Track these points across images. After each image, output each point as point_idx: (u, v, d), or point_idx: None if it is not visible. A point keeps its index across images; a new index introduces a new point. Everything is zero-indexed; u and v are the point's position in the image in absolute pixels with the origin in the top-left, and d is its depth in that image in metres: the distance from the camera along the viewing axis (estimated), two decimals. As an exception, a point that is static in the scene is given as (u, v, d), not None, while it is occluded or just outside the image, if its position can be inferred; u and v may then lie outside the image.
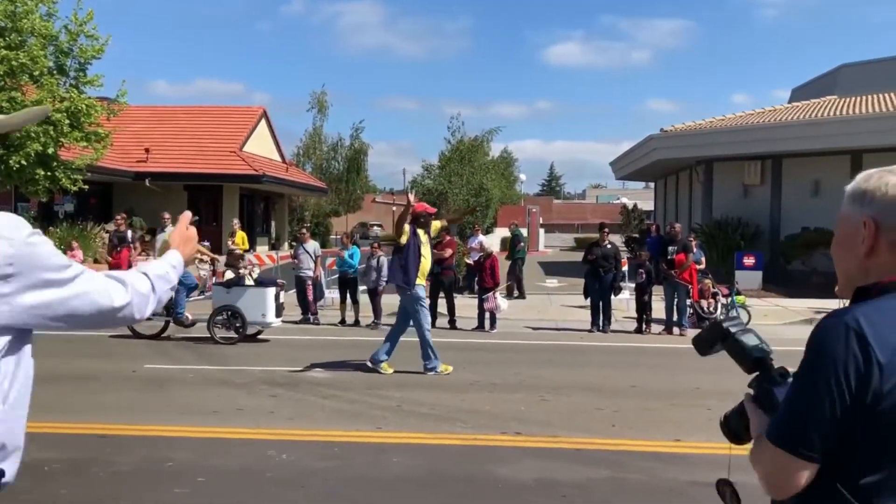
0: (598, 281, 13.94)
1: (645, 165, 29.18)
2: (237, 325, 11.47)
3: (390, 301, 15.92)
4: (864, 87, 25.73)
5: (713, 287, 15.39)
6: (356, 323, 14.09)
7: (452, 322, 14.02)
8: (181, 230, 2.25)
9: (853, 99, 25.10)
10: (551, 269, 29.20)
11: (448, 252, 14.31)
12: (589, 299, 14.24)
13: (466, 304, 15.40)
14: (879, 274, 1.61)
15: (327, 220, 46.32)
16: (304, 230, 15.79)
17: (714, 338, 1.85)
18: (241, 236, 17.44)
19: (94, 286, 1.71)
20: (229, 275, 12.31)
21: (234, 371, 9.29)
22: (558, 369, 9.68)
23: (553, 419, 6.95)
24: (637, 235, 39.79)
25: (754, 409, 1.74)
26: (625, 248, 39.42)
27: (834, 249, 1.81)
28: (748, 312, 14.96)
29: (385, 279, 14.35)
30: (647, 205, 54.10)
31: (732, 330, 1.82)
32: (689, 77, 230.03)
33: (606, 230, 14.80)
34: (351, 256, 14.45)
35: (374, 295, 14.14)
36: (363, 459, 5.64)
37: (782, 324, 15.64)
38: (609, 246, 14.46)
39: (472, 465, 5.51)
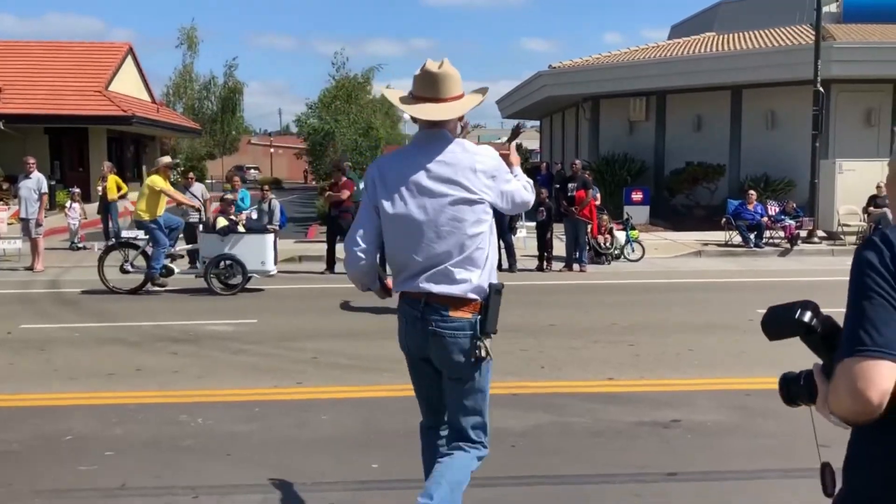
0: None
1: (533, 103, 29.17)
2: (236, 274, 10.94)
3: (285, 247, 15.24)
4: (743, 24, 26.48)
5: (609, 223, 15.57)
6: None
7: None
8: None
9: (732, 35, 25.79)
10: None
11: (345, 194, 13.72)
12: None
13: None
14: None
15: (202, 164, 44.22)
16: (191, 173, 14.85)
17: (794, 332, 1.78)
18: (113, 181, 16.08)
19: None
20: (220, 221, 11.45)
21: (123, 328, 8.51)
22: (472, 311, 9.42)
23: (481, 364, 6.68)
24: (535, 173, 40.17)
25: (824, 379, 1.71)
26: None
27: (889, 188, 1.87)
28: (642, 247, 15.26)
29: (278, 223, 13.65)
30: (530, 143, 54.62)
31: (814, 325, 1.74)
32: (563, 16, 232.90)
33: None
34: (242, 200, 13.62)
35: (268, 240, 13.43)
36: (289, 419, 5.18)
37: (672, 256, 16.06)
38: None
39: (410, 416, 5.12)
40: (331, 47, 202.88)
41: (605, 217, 15.69)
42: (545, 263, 14.11)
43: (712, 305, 9.96)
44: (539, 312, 9.33)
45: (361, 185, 18.53)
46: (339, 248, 13.53)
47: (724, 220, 17.39)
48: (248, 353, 7.18)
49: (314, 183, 32.37)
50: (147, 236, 11.03)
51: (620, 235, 15.43)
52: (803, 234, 17.21)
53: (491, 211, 2.98)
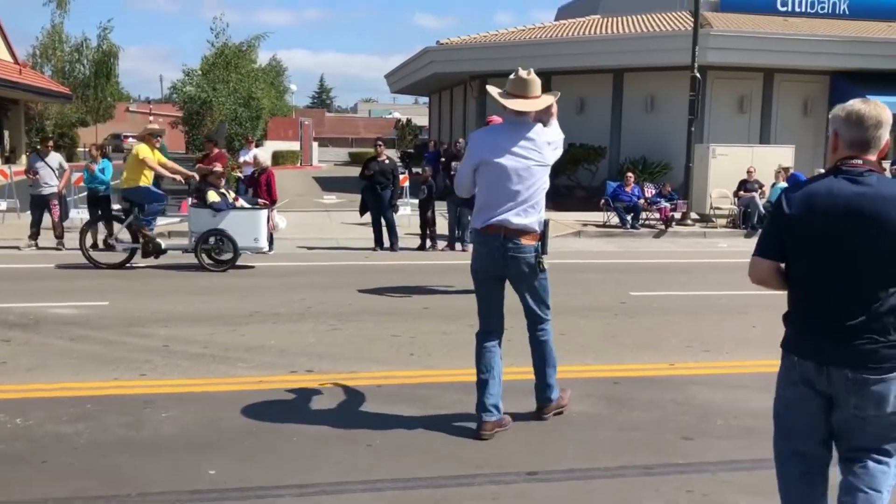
0: (376, 197, 13.39)
1: (421, 79, 28.79)
2: (227, 251, 10.54)
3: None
4: (626, 9, 26.91)
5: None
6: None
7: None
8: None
9: (615, 19, 26.17)
10: (328, 184, 28.28)
11: (218, 167, 12.95)
12: (368, 216, 13.73)
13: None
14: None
15: (73, 131, 41.50)
16: (50, 141, 13.70)
17: None
18: None
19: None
20: (212, 196, 10.70)
21: (-47, 311, 7.64)
22: (346, 293, 9.03)
23: (347, 351, 6.32)
24: (412, 150, 39.85)
25: None
26: (400, 163, 39.44)
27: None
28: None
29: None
30: (420, 120, 54.30)
31: None
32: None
33: (381, 145, 14.22)
34: (102, 171, 12.63)
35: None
36: (123, 418, 4.66)
37: (553, 236, 16.09)
38: (387, 161, 13.92)
39: (259, 414, 4.74)
40: (218, 12, 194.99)
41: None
42: (428, 242, 13.87)
43: (587, 287, 9.95)
44: (415, 294, 9.04)
45: (243, 158, 17.58)
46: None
47: (602, 201, 17.63)
48: (91, 340, 6.53)
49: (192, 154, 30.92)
50: (134, 207, 10.57)
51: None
52: (678, 216, 17.66)
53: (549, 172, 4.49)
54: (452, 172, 13.93)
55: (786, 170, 17.98)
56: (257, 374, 5.60)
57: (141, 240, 10.61)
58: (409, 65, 30.41)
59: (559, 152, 4.59)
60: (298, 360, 6.02)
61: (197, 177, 11.82)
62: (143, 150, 10.62)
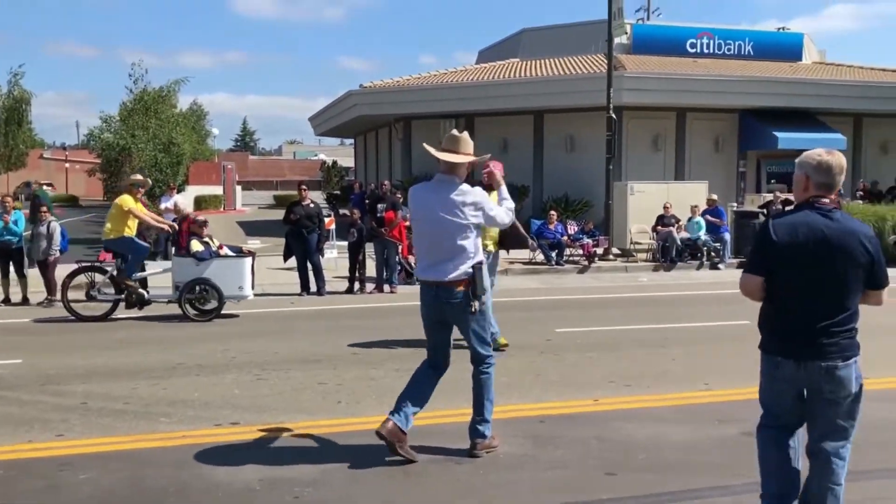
0: (301, 241, 13.34)
1: (345, 121, 28.95)
2: (211, 300, 10.46)
3: (64, 273, 13.89)
4: (544, 52, 27.74)
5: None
6: (24, 301, 12.04)
7: (146, 293, 12.51)
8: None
9: (534, 62, 26.93)
10: (252, 228, 27.92)
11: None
12: (293, 261, 13.65)
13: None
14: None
15: (-17, 180, 39.99)
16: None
17: None
18: None
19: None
20: (195, 245, 10.55)
21: None
22: (271, 341, 8.94)
23: (272, 402, 6.25)
24: (339, 192, 39.77)
25: None
26: (326, 206, 39.27)
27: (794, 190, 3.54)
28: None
29: (58, 247, 12.39)
30: (345, 161, 54.33)
31: None
32: (380, 36, 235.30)
33: (305, 188, 14.26)
34: (15, 223, 12.22)
35: (45, 267, 12.16)
36: (38, 482, 4.49)
37: (482, 276, 16.32)
38: (311, 205, 13.91)
39: (183, 470, 4.64)
40: (137, 58, 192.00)
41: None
42: (357, 285, 13.84)
43: (514, 325, 10.08)
44: (341, 338, 8.99)
45: (164, 205, 17.20)
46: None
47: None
48: (3, 400, 6.28)
49: (110, 199, 30.14)
50: (117, 258, 10.60)
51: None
52: (600, 251, 18.12)
53: (475, 228, 4.78)
54: (379, 214, 14.02)
55: (711, 201, 18.79)
56: (181, 429, 5.48)
57: (125, 291, 10.44)
58: (334, 107, 30.54)
59: (495, 212, 4.88)
60: (222, 412, 5.92)
61: (168, 228, 11.69)
62: (127, 200, 10.56)
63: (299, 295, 13.05)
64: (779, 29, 30.03)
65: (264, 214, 37.88)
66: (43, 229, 12.21)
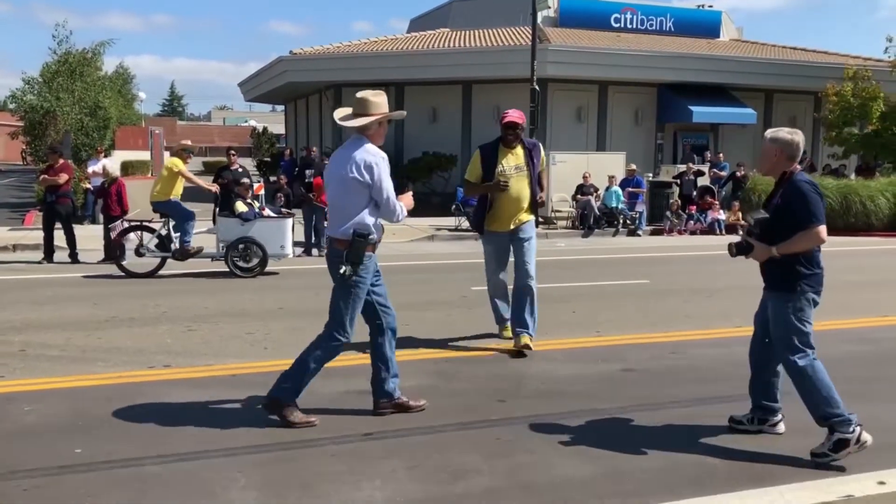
0: (230, 205, 13.67)
1: (275, 88, 28.98)
2: (254, 258, 11.12)
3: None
4: (474, 23, 28.23)
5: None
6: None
7: (74, 255, 12.74)
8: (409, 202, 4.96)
9: (464, 32, 27.42)
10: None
11: (63, 177, 12.87)
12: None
13: (91, 236, 14.09)
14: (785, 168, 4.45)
15: None
16: None
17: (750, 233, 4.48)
18: None
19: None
20: (240, 206, 11.41)
21: None
22: (201, 297, 9.40)
23: (203, 349, 6.77)
24: (269, 159, 39.62)
25: (759, 244, 4.40)
26: (257, 172, 39.07)
27: (761, 161, 4.62)
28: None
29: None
30: (276, 128, 53.87)
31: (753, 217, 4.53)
32: (313, 1, 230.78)
33: (234, 153, 14.58)
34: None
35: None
36: (-13, 414, 4.95)
37: (407, 241, 16.96)
38: (240, 169, 14.25)
39: (121, 403, 5.15)
40: (56, 16, 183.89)
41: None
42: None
43: (435, 285, 10.76)
44: (269, 297, 9.52)
45: (92, 168, 17.20)
46: (59, 236, 12.72)
47: (454, 206, 18.63)
48: (-57, 349, 6.63)
49: (34, 165, 29.54)
50: (164, 219, 11.29)
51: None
52: (523, 219, 18.92)
53: (363, 190, 4.65)
54: (307, 180, 14.46)
55: (630, 171, 19.80)
56: (116, 371, 5.97)
57: (173, 247, 11.20)
58: (263, 73, 30.49)
59: (370, 179, 4.63)
60: (156, 357, 6.42)
61: (216, 190, 12.50)
62: (177, 163, 11.25)
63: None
64: (699, 7, 31.19)
65: (194, 180, 37.58)
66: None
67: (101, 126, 24.54)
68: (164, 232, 11.26)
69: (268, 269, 11.30)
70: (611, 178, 19.36)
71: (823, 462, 4.23)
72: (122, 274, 11.05)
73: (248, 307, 8.81)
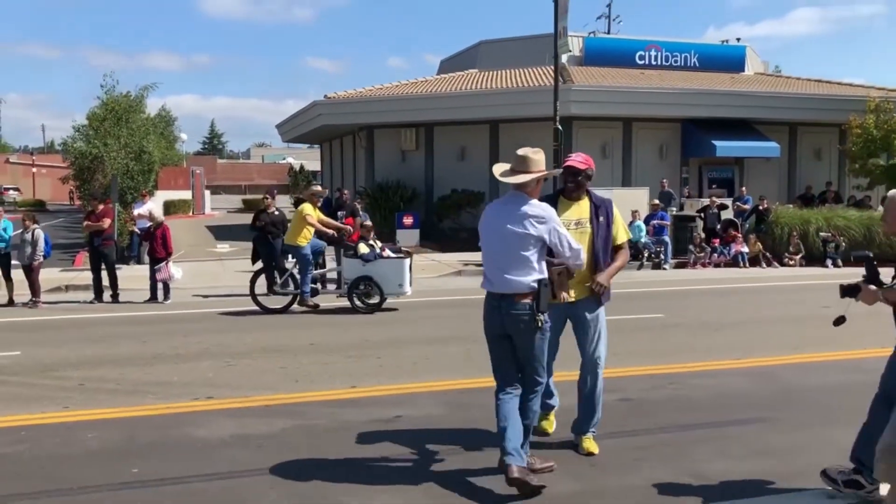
0: (267, 246, 14.50)
1: (311, 130, 30.06)
2: (374, 295, 12.03)
3: (50, 276, 14.94)
4: (501, 63, 29.11)
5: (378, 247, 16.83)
6: (10, 303, 13.11)
7: (115, 296, 13.65)
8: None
9: (492, 73, 28.30)
10: (221, 233, 28.97)
11: (107, 222, 13.84)
12: (260, 264, 14.79)
13: (137, 276, 14.99)
14: None
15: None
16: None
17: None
18: None
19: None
20: (362, 248, 12.27)
21: None
22: (241, 334, 10.14)
23: (241, 382, 7.47)
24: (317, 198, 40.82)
25: (868, 288, 4.41)
26: (294, 210, 40.15)
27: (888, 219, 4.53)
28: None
29: (42, 254, 13.44)
30: (313, 165, 55.24)
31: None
32: (348, 38, 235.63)
33: (268, 197, 15.33)
34: (4, 230, 13.27)
35: (30, 271, 13.23)
36: (54, 439, 5.68)
37: (436, 276, 17.63)
38: (276, 212, 15.06)
39: (170, 430, 5.86)
40: (103, 59, 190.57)
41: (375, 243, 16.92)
42: (319, 286, 15.00)
43: (458, 318, 11.39)
44: (302, 333, 10.24)
45: (137, 211, 18.21)
46: (105, 277, 13.64)
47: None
48: (11, 384, 7.43)
49: (81, 205, 30.92)
50: (294, 259, 12.41)
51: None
52: (548, 254, 19.50)
53: (538, 242, 4.73)
54: (339, 221, 15.23)
55: (654, 206, 20.33)
56: (166, 402, 6.69)
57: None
58: (299, 116, 31.65)
59: (546, 230, 4.68)
60: (200, 390, 7.14)
61: (351, 230, 13.62)
62: (306, 208, 12.33)
63: (266, 295, 14.21)
64: (722, 42, 31.74)
65: (233, 219, 38.80)
66: (28, 236, 13.27)
67: (146, 170, 25.72)
68: (296, 272, 12.42)
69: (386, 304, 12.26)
70: (634, 212, 19.86)
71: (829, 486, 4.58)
72: (162, 313, 11.87)
73: (285, 343, 9.53)
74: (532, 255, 4.68)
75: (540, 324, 4.66)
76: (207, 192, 50.46)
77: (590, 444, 5.42)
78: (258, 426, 5.96)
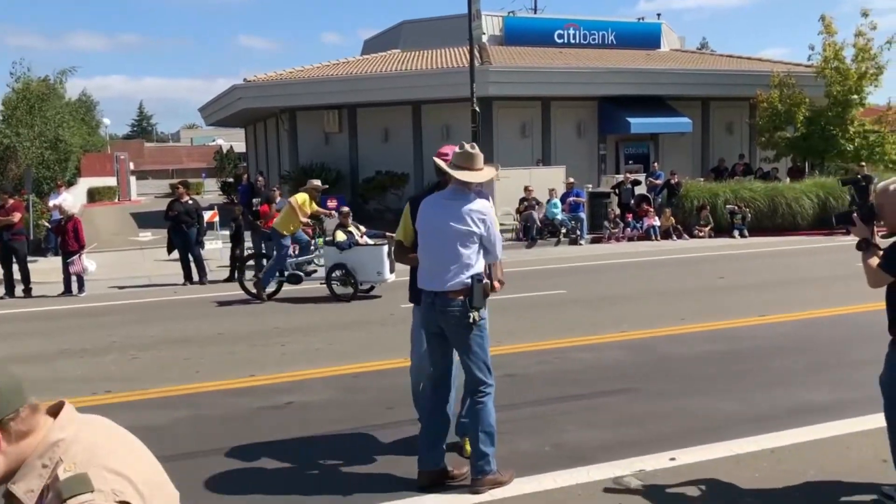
0: (181, 235, 14.56)
1: (232, 113, 29.78)
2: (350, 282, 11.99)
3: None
4: (423, 43, 29.24)
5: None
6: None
7: (28, 290, 13.56)
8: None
9: (415, 53, 28.42)
10: (145, 220, 28.58)
11: (17, 216, 13.68)
12: (176, 254, 14.85)
13: (55, 268, 14.85)
14: None
15: None
16: None
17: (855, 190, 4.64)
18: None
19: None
20: (339, 235, 12.23)
21: None
22: (149, 326, 10.27)
23: (142, 375, 7.66)
24: (232, 180, 40.39)
25: (860, 223, 4.10)
26: (222, 194, 39.74)
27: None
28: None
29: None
30: (243, 147, 54.53)
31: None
32: (282, 15, 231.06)
33: (180, 188, 15.36)
34: None
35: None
36: None
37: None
38: (189, 202, 15.09)
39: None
40: (21, 40, 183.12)
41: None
42: (237, 274, 15.12)
43: (367, 304, 11.71)
44: (214, 322, 10.42)
45: (52, 202, 17.91)
46: (16, 272, 13.52)
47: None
48: None
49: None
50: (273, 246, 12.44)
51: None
52: (468, 233, 19.92)
53: (477, 240, 4.64)
54: (254, 208, 15.36)
55: (569, 185, 20.84)
56: (61, 397, 6.83)
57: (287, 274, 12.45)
58: (220, 100, 31.29)
59: (484, 229, 4.61)
60: (100, 384, 7.31)
61: (335, 215, 13.47)
62: (297, 198, 12.39)
63: (182, 284, 14.29)
64: (639, 19, 32.49)
65: (160, 204, 38.00)
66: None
67: (63, 159, 25.22)
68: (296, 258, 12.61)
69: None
70: (551, 191, 20.43)
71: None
72: (75, 307, 11.88)
73: (192, 334, 9.70)
74: (471, 252, 4.60)
75: (474, 320, 4.56)
76: (133, 179, 49.47)
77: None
78: (152, 418, 6.19)
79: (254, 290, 12.33)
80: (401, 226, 5.18)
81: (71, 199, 16.78)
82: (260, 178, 17.07)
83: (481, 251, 4.69)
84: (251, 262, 13.76)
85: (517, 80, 24.15)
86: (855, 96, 23.74)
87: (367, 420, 6.00)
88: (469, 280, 4.57)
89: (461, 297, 4.57)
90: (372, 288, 12.44)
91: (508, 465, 4.91)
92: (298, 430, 5.82)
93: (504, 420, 5.85)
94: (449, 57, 27.11)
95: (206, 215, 16.52)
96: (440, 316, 4.63)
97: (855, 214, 4.13)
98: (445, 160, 4.88)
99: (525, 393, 6.63)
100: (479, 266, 4.66)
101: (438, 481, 4.74)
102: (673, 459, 5.01)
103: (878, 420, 5.65)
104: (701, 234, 20.63)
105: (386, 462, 5.13)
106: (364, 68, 26.96)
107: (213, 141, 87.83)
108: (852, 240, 4.31)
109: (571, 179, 21.18)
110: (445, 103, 24.92)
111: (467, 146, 4.76)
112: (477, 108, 20.23)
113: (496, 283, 4.91)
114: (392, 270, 12.23)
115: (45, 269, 15.57)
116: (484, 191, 4.83)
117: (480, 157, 4.74)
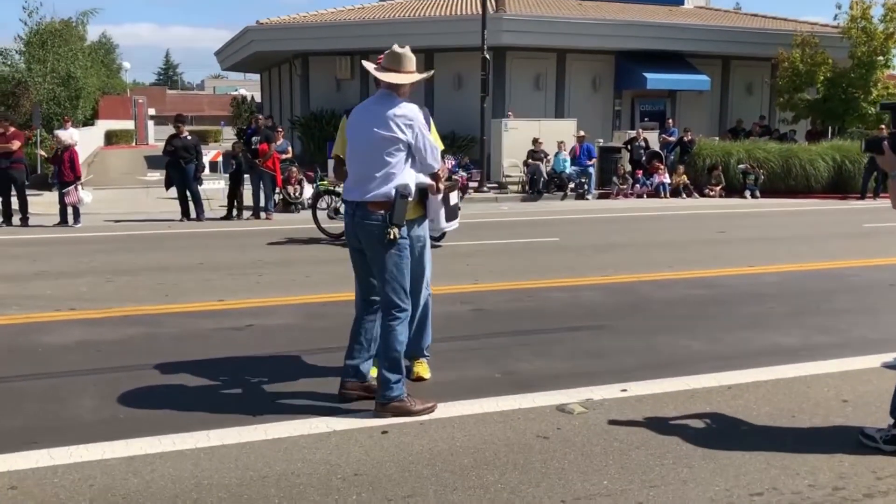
0: (179, 171, 14.46)
1: (245, 57, 29.50)
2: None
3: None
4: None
5: (298, 174, 16.88)
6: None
7: (25, 219, 13.56)
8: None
9: (431, 0, 27.89)
10: (156, 162, 28.48)
11: (16, 144, 13.64)
12: (173, 190, 14.76)
13: (55, 202, 14.84)
14: None
15: None
16: None
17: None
18: None
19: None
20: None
21: None
22: (133, 255, 10.23)
23: (112, 296, 7.61)
24: (245, 127, 40.28)
25: (888, 149, 3.83)
26: (236, 139, 39.59)
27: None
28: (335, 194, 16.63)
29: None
30: (257, 95, 54.27)
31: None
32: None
33: (181, 124, 15.21)
34: None
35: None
36: None
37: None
38: (188, 137, 14.97)
39: (19, 337, 6.01)
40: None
41: (295, 169, 16.97)
42: (235, 212, 15.07)
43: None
44: (198, 254, 10.35)
45: (62, 133, 17.89)
46: (14, 201, 13.53)
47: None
48: None
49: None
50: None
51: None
52: (473, 184, 19.72)
53: (405, 148, 4.33)
54: (253, 147, 15.21)
55: (580, 138, 20.45)
56: (26, 313, 6.82)
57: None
58: (233, 43, 31.00)
59: (411, 135, 4.29)
60: (66, 303, 7.26)
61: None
62: None
63: (179, 220, 14.23)
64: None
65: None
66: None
67: (74, 96, 25.17)
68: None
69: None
70: (560, 143, 20.08)
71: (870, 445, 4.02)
72: (66, 236, 11.87)
73: (171, 263, 9.64)
74: (397, 160, 4.27)
75: (392, 237, 4.23)
76: (152, 123, 49.47)
77: (421, 368, 5.08)
78: (107, 334, 6.14)
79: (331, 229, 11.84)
80: (337, 139, 4.87)
81: (71, 135, 16.67)
82: (260, 118, 16.82)
83: (409, 161, 4.37)
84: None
85: (532, 29, 23.60)
86: (881, 58, 23.00)
87: (321, 343, 5.90)
88: (393, 192, 4.26)
89: (382, 211, 4.26)
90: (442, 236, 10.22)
91: (455, 390, 4.80)
92: (250, 350, 5.73)
93: (458, 349, 5.76)
94: (465, 4, 26.57)
95: (210, 154, 16.40)
96: (359, 229, 4.35)
97: (886, 143, 3.91)
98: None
99: (487, 325, 6.50)
100: (406, 178, 4.32)
101: (361, 396, 4.59)
102: (624, 391, 4.86)
103: (846, 364, 5.51)
104: (712, 194, 20.24)
105: (316, 382, 5.02)
106: (377, 14, 26.52)
107: (236, 91, 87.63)
108: (864, 205, 4.20)
109: (582, 132, 20.79)
110: (458, 52, 24.45)
111: (396, 46, 4.49)
112: (487, 56, 19.85)
113: (439, 185, 4.61)
114: (451, 218, 11.55)
115: (48, 202, 15.59)
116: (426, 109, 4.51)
117: (412, 59, 4.46)
